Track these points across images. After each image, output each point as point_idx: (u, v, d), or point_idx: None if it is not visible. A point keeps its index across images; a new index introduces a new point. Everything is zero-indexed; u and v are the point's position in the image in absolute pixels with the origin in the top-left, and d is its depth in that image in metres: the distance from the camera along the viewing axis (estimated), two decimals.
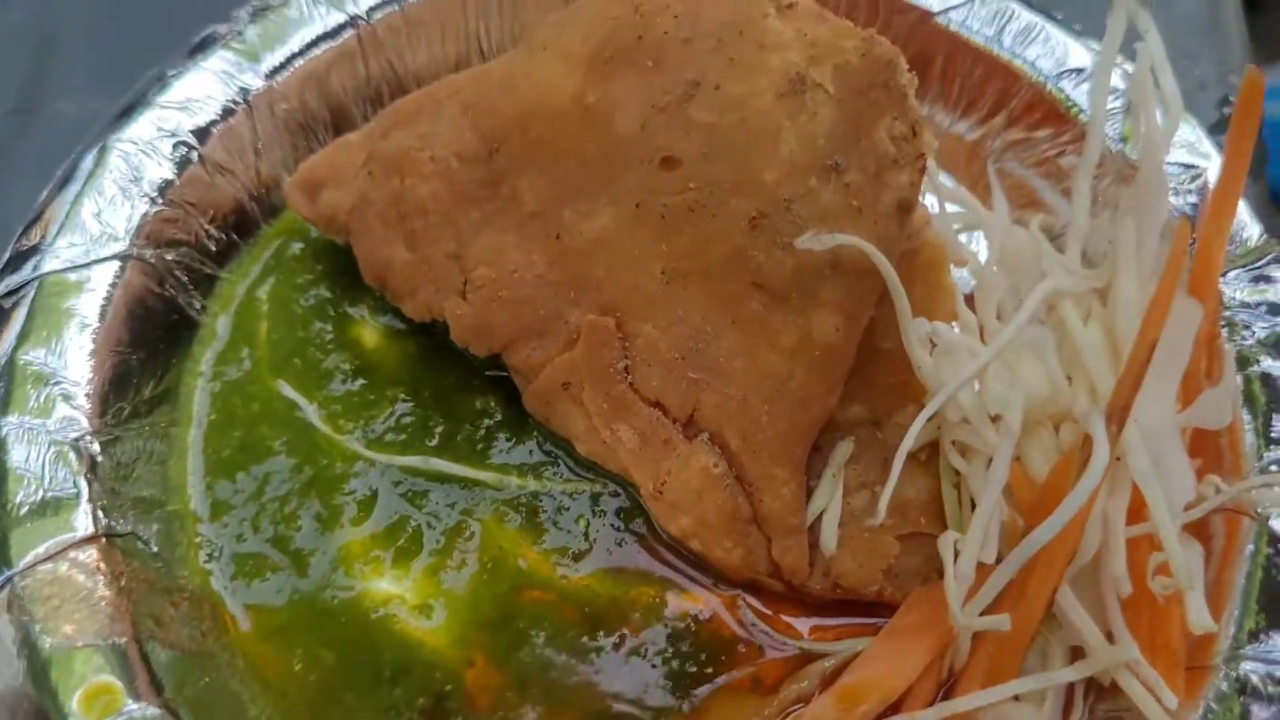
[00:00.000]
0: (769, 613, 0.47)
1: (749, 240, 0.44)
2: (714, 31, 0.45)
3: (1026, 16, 0.57)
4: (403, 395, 0.51)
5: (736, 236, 0.44)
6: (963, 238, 0.55)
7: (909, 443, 0.43)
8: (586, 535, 0.48)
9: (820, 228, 0.43)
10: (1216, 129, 0.63)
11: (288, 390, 0.50)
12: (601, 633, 0.45)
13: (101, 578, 0.42)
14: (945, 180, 0.59)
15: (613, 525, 0.48)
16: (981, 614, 0.44)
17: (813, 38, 0.45)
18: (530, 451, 0.50)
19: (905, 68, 0.44)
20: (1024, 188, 0.57)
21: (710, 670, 0.46)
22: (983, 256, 0.52)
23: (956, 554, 0.44)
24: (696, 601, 0.47)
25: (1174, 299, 0.48)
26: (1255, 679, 0.42)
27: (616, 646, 0.45)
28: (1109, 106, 0.55)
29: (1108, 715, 0.45)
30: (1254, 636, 0.43)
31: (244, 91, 0.53)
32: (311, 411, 0.50)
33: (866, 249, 0.42)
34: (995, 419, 0.45)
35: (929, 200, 0.49)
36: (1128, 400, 0.45)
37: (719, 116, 0.44)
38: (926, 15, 0.58)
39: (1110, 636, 0.45)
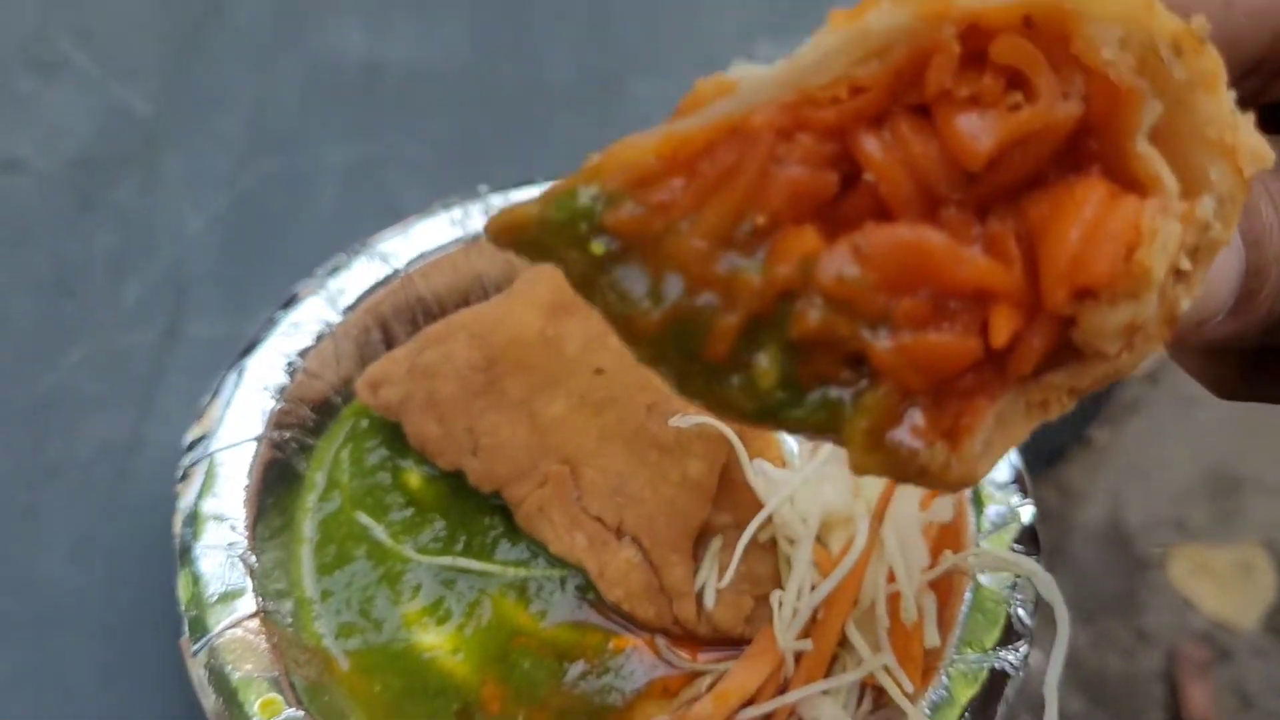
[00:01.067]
0: (675, 648, 0.74)
1: (647, 418, 0.72)
2: None
3: None
4: (439, 518, 0.76)
5: (639, 416, 0.73)
6: None
7: (745, 539, 0.70)
8: (557, 603, 0.75)
9: (690, 412, 0.71)
10: None
11: (363, 518, 0.77)
12: (566, 662, 0.72)
13: (262, 638, 0.68)
14: None
15: (574, 596, 0.75)
16: (796, 639, 0.72)
17: None
18: (521, 551, 0.76)
19: None
20: None
21: (637, 683, 0.73)
22: None
23: (783, 604, 0.72)
24: (629, 642, 0.74)
25: None
26: (963, 670, 0.69)
27: (577, 669, 0.72)
28: None
29: (882, 705, 0.72)
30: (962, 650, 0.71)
31: (328, 324, 0.82)
32: (380, 531, 0.77)
33: (714, 423, 0.70)
34: (804, 521, 0.73)
35: None
36: (883, 508, 0.72)
37: None
38: None
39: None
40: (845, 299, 0.32)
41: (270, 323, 0.80)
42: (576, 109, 1.01)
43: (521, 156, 0.91)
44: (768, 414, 0.34)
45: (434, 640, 0.72)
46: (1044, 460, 2.86)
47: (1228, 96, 0.31)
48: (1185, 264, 0.32)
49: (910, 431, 0.33)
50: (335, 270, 0.83)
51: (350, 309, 0.82)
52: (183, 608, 0.69)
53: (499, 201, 0.86)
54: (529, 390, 0.75)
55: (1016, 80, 0.31)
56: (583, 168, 0.34)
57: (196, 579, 0.69)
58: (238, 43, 1.06)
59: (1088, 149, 0.32)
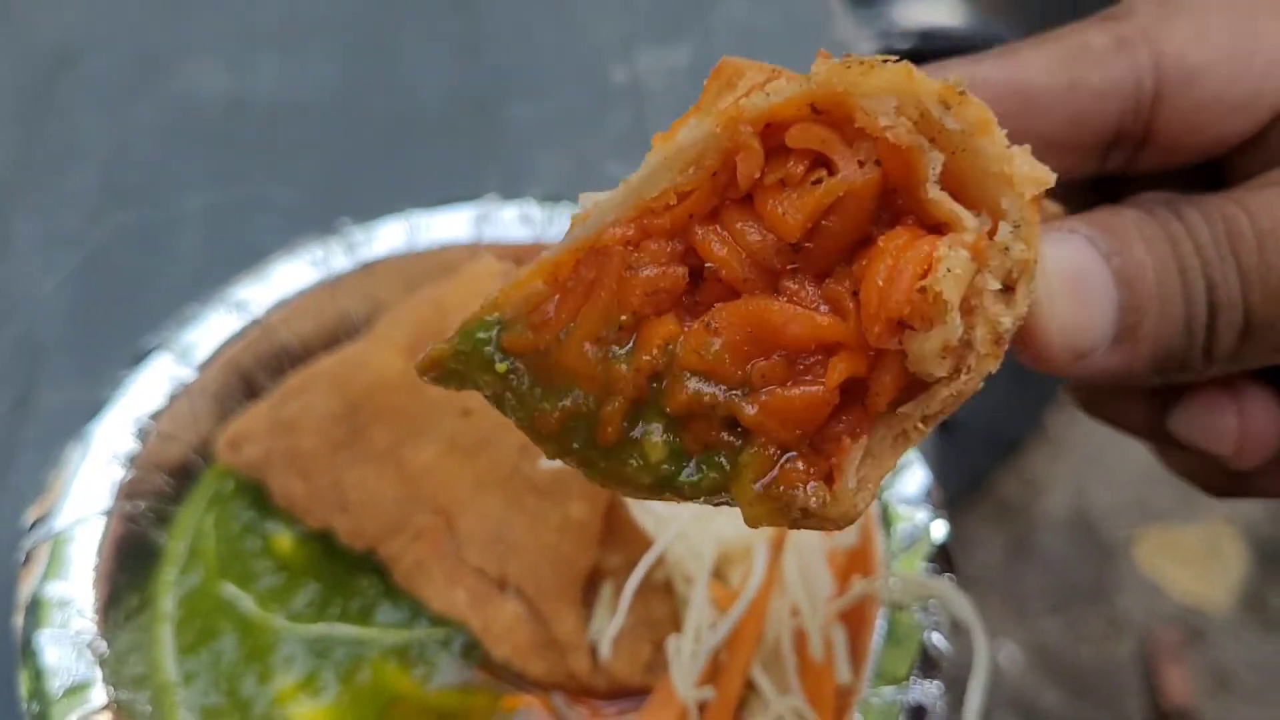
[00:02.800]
0: (572, 704, 0.69)
1: (520, 459, 0.67)
2: None
3: None
4: (311, 581, 0.72)
5: (513, 458, 0.67)
6: None
7: (634, 580, 0.65)
8: (443, 665, 0.70)
9: None
10: None
11: (229, 589, 0.71)
12: None
13: None
14: None
15: (460, 656, 0.70)
16: (698, 686, 0.67)
17: None
18: (402, 612, 0.71)
19: None
20: None
21: None
22: None
23: (680, 650, 0.67)
24: (521, 701, 0.69)
25: None
26: (879, 707, 0.64)
27: None
28: None
29: None
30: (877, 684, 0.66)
31: (181, 382, 0.76)
32: (248, 601, 0.71)
33: None
34: (699, 557, 0.68)
35: None
36: (780, 538, 0.68)
37: None
38: None
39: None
40: (707, 371, 0.37)
41: (117, 384, 0.74)
42: (451, 137, 0.96)
43: (394, 189, 0.86)
44: (665, 485, 0.39)
45: (308, 715, 0.66)
46: (1003, 452, 2.84)
47: (1001, 136, 0.36)
48: (993, 284, 0.36)
49: (788, 478, 0.38)
50: (187, 323, 0.77)
51: (205, 364, 0.76)
52: (24, 706, 0.63)
53: (360, 236, 0.81)
54: (395, 438, 0.69)
55: (821, 160, 0.37)
56: (483, 302, 0.39)
57: (39, 673, 0.63)
58: (91, 93, 1.01)
59: (898, 205, 0.37)
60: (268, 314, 0.79)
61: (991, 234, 0.36)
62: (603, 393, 0.38)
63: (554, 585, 0.67)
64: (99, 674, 0.64)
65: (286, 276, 0.81)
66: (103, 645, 0.65)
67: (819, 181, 0.36)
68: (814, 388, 0.37)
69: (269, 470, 0.72)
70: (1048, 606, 2.81)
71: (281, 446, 0.72)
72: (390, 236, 0.83)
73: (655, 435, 0.39)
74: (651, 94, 0.97)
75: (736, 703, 0.65)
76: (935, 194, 0.36)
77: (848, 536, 0.68)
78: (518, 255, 0.80)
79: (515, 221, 0.83)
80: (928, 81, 0.36)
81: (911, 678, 0.64)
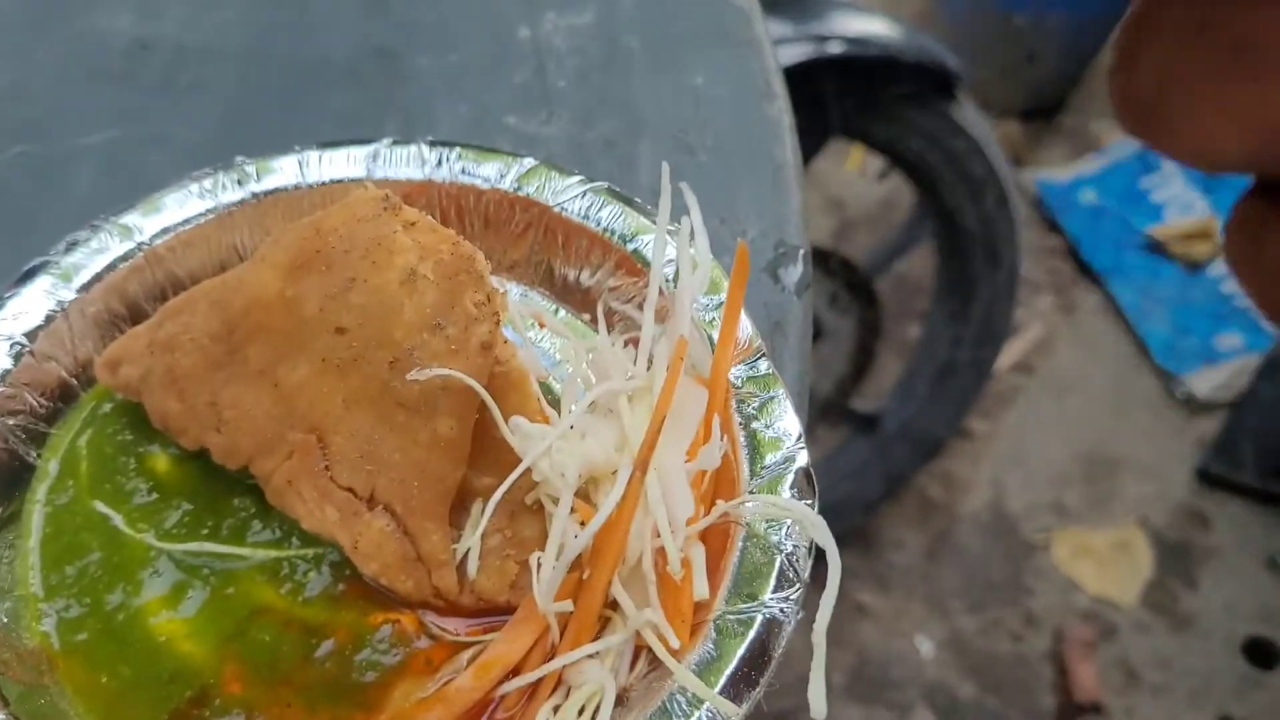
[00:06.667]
0: (438, 620, 0.70)
1: (390, 375, 0.68)
2: (363, 244, 0.69)
3: (613, 204, 0.82)
4: (184, 501, 0.72)
5: (383, 374, 0.68)
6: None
7: (497, 497, 0.66)
8: (312, 583, 0.70)
9: (433, 364, 0.67)
10: (770, 266, 0.89)
11: (101, 507, 0.71)
12: (317, 639, 0.67)
13: None
14: (570, 317, 0.84)
15: (330, 575, 0.70)
16: (559, 601, 0.68)
17: (423, 244, 0.69)
18: (274, 530, 0.71)
19: (483, 259, 0.69)
20: (627, 318, 0.82)
21: (397, 658, 0.68)
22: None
23: (541, 566, 0.68)
24: (388, 617, 0.69)
25: (682, 386, 0.73)
26: (733, 621, 0.66)
27: (328, 646, 0.67)
28: (668, 259, 0.80)
29: (657, 666, 0.68)
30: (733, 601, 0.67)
31: (61, 303, 0.76)
32: (119, 520, 0.71)
33: (459, 376, 0.66)
34: (563, 476, 0.69)
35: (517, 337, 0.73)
36: (646, 455, 0.69)
37: (367, 299, 0.68)
38: (547, 208, 0.83)
39: None
40: None
41: None
42: (355, 85, 0.97)
43: (295, 132, 0.86)
44: None
45: (169, 625, 0.66)
46: (925, 454, 2.88)
47: None
48: None
49: None
50: (73, 246, 0.77)
51: (87, 286, 0.76)
52: None
53: (253, 170, 0.82)
54: (271, 357, 0.70)
55: None
56: None
57: None
58: None
59: None
60: (155, 242, 0.80)
61: None
62: None
63: (422, 502, 0.67)
64: None
65: (177, 207, 0.81)
66: None
67: None
68: None
69: (146, 390, 0.72)
70: (966, 605, 2.85)
71: (159, 367, 0.72)
72: (283, 172, 0.83)
73: None
74: (554, 51, 0.99)
75: (596, 617, 0.66)
76: None
77: (710, 459, 0.69)
78: (406, 192, 0.81)
79: (407, 161, 0.84)
80: None
81: (767, 595, 0.65)
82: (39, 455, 0.73)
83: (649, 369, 0.74)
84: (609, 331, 0.80)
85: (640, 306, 0.81)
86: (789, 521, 0.68)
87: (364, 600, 0.69)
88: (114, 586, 0.68)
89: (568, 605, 0.65)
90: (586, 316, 0.84)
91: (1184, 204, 3.47)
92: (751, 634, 0.64)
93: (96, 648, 0.66)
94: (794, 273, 0.88)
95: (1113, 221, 3.49)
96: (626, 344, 0.78)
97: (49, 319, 0.75)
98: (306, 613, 0.68)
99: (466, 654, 0.68)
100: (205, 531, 0.71)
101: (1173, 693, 2.56)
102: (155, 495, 0.72)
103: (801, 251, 0.89)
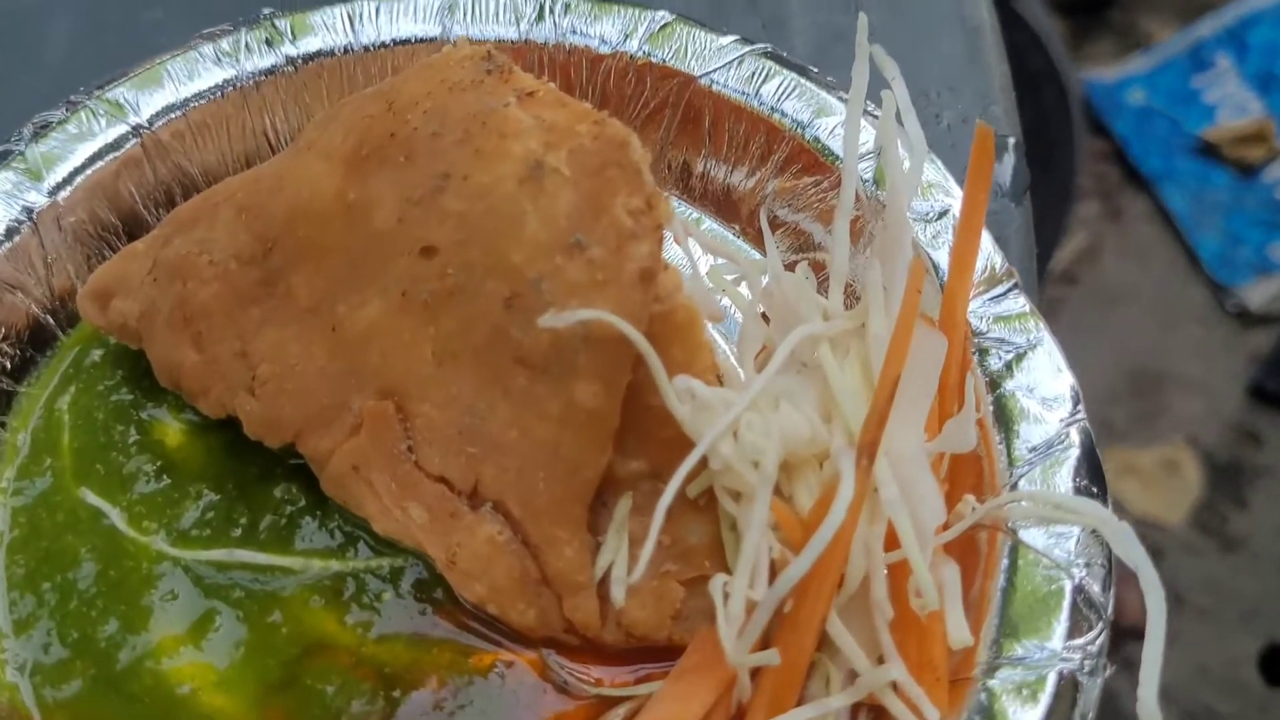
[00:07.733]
0: (570, 665, 0.50)
1: (506, 319, 0.47)
2: (460, 124, 0.48)
3: (782, 74, 0.60)
4: (207, 490, 0.53)
5: (495, 316, 0.47)
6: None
7: (669, 496, 0.45)
8: (387, 607, 0.50)
9: (570, 302, 0.46)
10: None
11: (91, 498, 0.52)
12: (399, 690, 0.48)
13: None
14: (718, 229, 0.63)
15: (413, 596, 0.50)
16: (754, 649, 0.47)
17: (549, 123, 0.48)
18: (332, 534, 0.52)
19: (638, 146, 0.47)
20: (800, 232, 0.61)
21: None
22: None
23: (729, 596, 0.47)
24: (498, 658, 0.49)
25: (915, 333, 0.51)
26: (1015, 682, 0.46)
27: (419, 701, 0.48)
28: (862, 152, 0.58)
29: None
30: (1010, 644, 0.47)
31: (28, 210, 0.55)
32: (116, 516, 0.52)
33: (609, 319, 0.45)
34: (756, 465, 0.48)
35: (685, 261, 0.52)
36: (875, 436, 0.48)
37: (469, 205, 0.47)
38: (690, 79, 0.61)
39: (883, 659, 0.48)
40: None
41: None
42: None
43: None
44: None
45: (192, 669, 0.47)
46: None
47: None
48: None
49: None
50: (43, 130, 0.56)
51: (61, 186, 0.55)
52: None
53: (285, 27, 0.60)
54: (326, 288, 0.50)
55: None
56: None
57: None
58: None
59: None
60: (155, 125, 0.59)
61: None
62: None
63: (549, 501, 0.48)
64: None
65: (184, 78, 0.61)
66: None
67: None
68: None
69: (149, 334, 0.54)
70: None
71: (167, 300, 0.53)
72: (328, 30, 0.63)
73: None
74: None
75: (806, 668, 0.46)
76: None
77: (962, 439, 0.48)
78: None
79: (497, 14, 0.63)
80: None
81: (1057, 640, 0.45)
82: (3, 425, 0.53)
83: (854, 307, 0.53)
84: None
85: (818, 217, 0.60)
86: (1076, 530, 0.47)
87: (462, 635, 0.50)
88: (112, 614, 0.49)
89: (771, 656, 0.44)
90: (735, 228, 0.63)
91: (1238, 105, 3.29)
92: (1045, 700, 0.44)
93: (89, 705, 0.48)
94: (1006, 168, 0.67)
95: (1162, 123, 3.32)
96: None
97: (10, 232, 0.55)
98: (382, 652, 0.48)
99: (613, 714, 0.48)
100: (236, 534, 0.51)
101: (1220, 617, 2.47)
102: (165, 480, 0.54)
103: (1012, 140, 0.67)
